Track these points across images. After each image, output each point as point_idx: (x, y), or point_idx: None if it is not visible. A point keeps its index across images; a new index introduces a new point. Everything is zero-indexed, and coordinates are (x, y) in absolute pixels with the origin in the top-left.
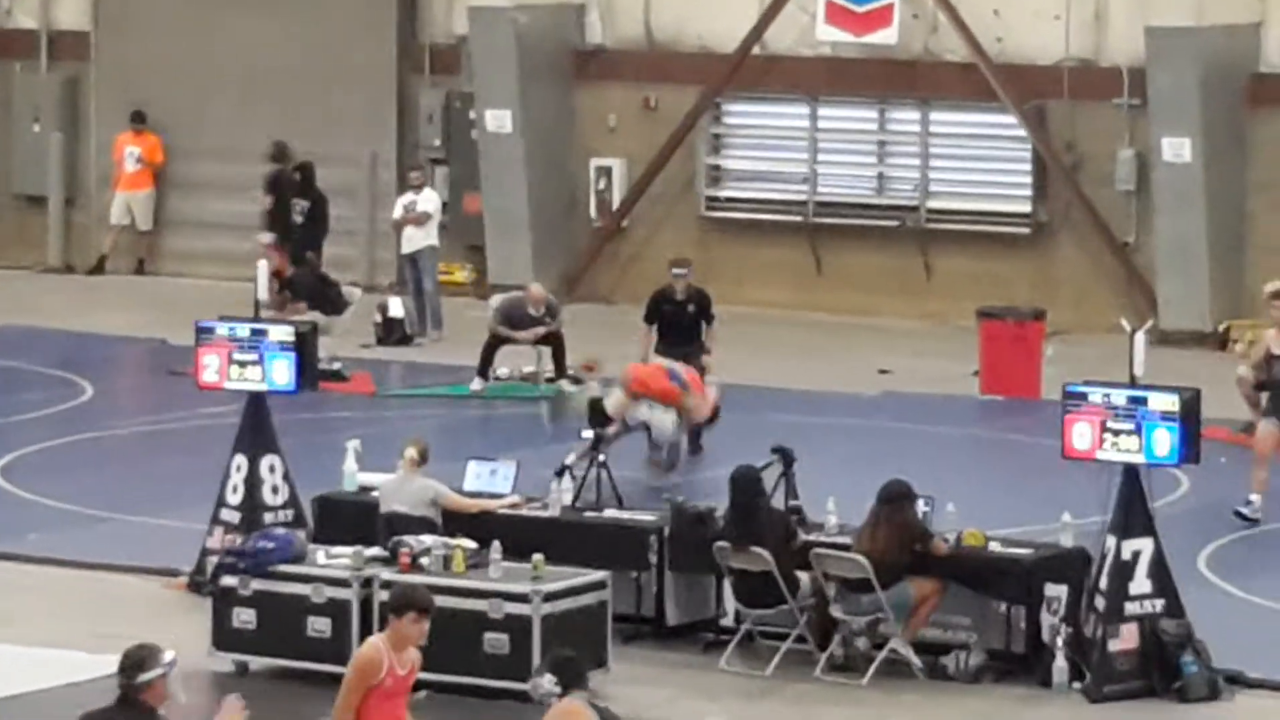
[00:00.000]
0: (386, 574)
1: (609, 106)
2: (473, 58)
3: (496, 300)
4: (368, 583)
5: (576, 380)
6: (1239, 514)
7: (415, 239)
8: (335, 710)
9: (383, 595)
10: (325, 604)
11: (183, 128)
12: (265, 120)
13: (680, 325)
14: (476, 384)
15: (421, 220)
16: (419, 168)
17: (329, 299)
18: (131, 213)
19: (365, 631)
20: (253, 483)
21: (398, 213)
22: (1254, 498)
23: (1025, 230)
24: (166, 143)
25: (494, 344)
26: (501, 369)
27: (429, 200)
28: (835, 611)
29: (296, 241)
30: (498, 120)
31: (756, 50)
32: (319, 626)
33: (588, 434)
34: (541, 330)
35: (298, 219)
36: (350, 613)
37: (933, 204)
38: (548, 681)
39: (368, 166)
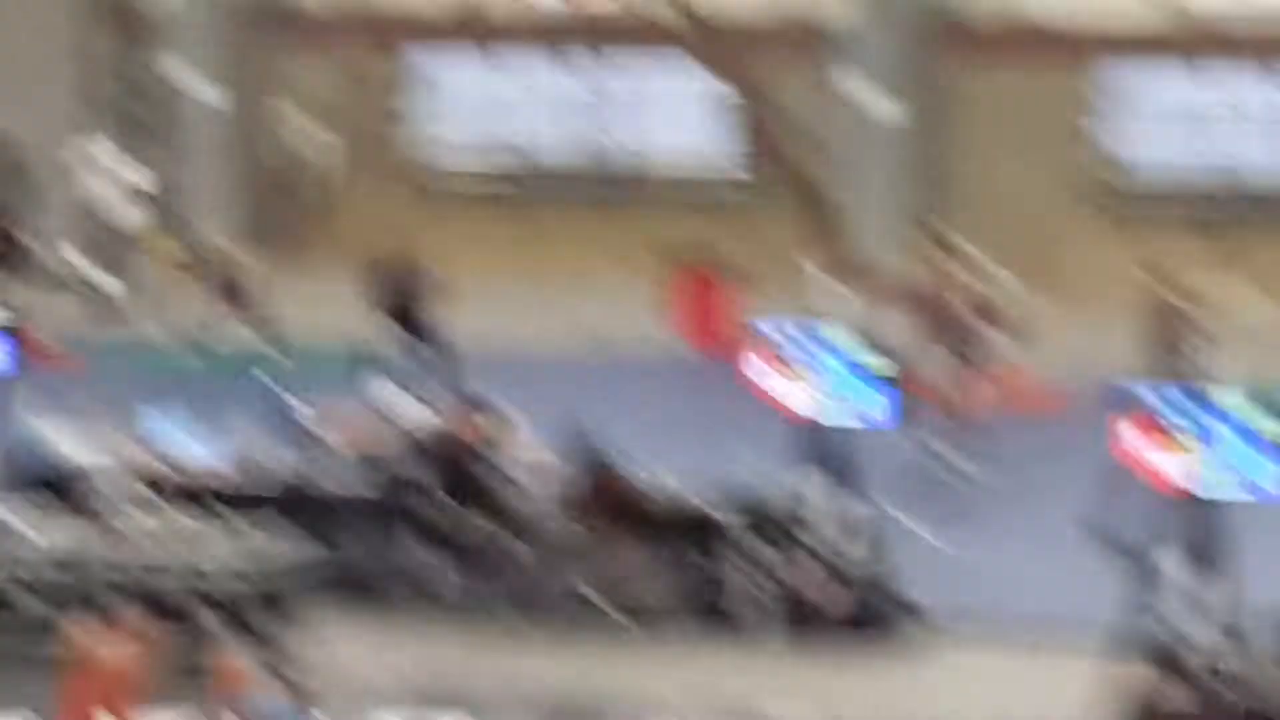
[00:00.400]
0: None
1: (317, 75)
2: (176, 26)
3: (209, 274)
4: None
5: (289, 346)
6: (944, 476)
7: (123, 214)
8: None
9: None
10: None
11: None
12: None
13: (411, 308)
14: (186, 351)
15: (132, 195)
16: (129, 141)
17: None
18: None
19: None
20: None
21: (102, 186)
22: (959, 457)
23: (732, 191)
24: None
25: (209, 312)
26: (216, 336)
27: (135, 174)
28: (548, 571)
29: None
30: (203, 91)
31: (464, 14)
32: None
33: (301, 401)
34: (243, 302)
35: None
36: None
37: (641, 166)
38: (225, 634)
39: (68, 136)
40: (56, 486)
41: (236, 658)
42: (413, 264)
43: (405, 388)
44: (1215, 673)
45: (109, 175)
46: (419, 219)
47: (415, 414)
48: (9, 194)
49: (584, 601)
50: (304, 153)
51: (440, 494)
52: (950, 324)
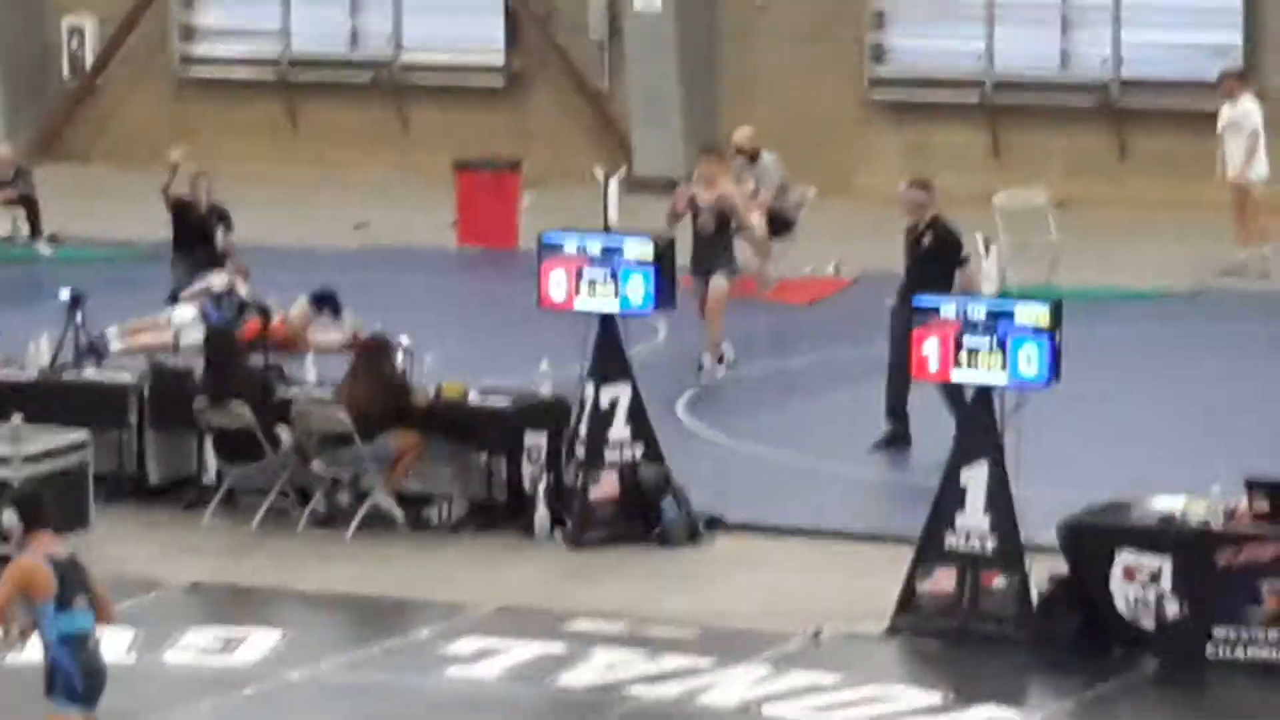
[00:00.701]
0: None
1: None
2: None
3: None
4: None
5: (53, 240)
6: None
7: None
8: None
9: None
10: None
11: None
12: None
13: (202, 233)
14: None
15: None
16: None
17: None
18: None
19: None
20: None
21: None
22: (711, 357)
23: (500, 82)
24: None
25: None
26: None
27: None
28: (316, 466)
29: None
30: None
31: None
32: None
33: (64, 294)
34: (13, 193)
35: None
36: None
37: (406, 58)
38: (7, 517)
39: None
40: None
41: (30, 561)
42: (212, 205)
43: (179, 285)
44: (974, 556)
45: None
46: (177, 106)
47: (186, 312)
48: None
49: (364, 499)
50: (64, 39)
51: (204, 382)
52: (716, 221)
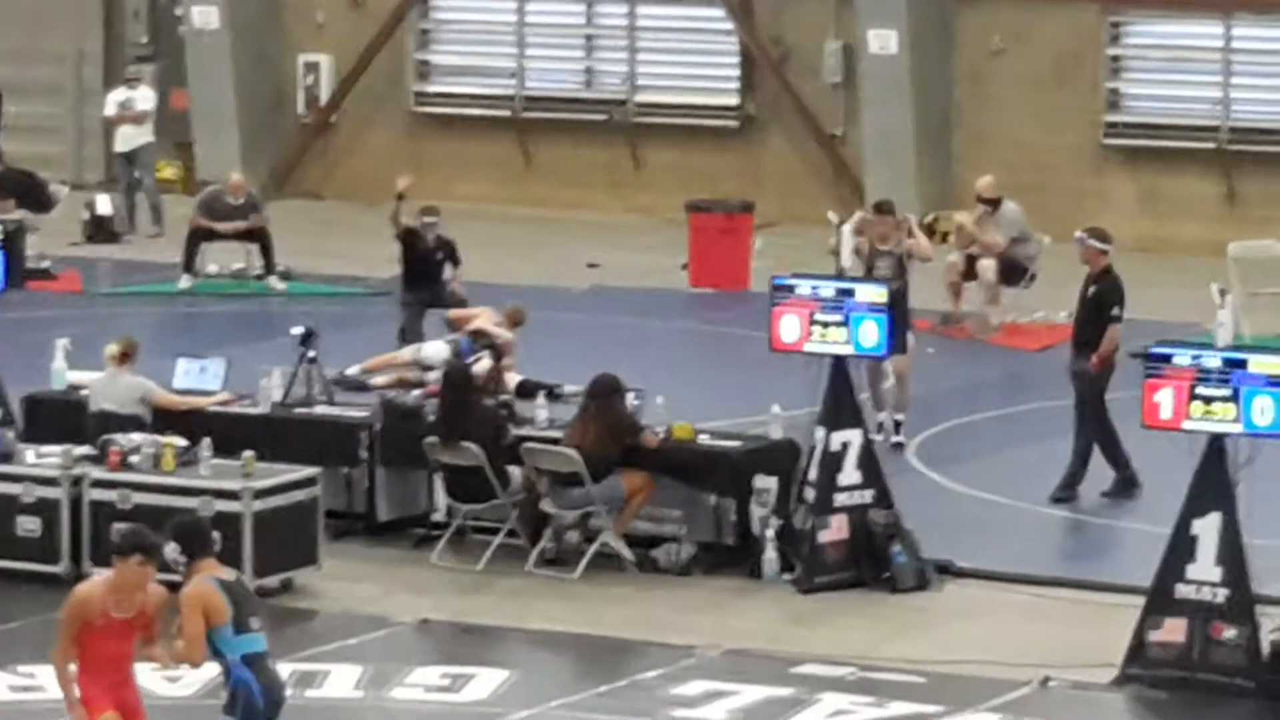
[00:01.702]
0: (96, 472)
1: (316, 2)
2: None
3: (211, 197)
4: (77, 481)
5: (286, 276)
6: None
7: (132, 137)
8: (55, 643)
9: (93, 494)
10: (34, 503)
11: None
12: None
13: (430, 267)
14: (185, 281)
15: (140, 118)
16: (134, 64)
17: (36, 197)
18: None
19: (75, 530)
20: None
21: (111, 110)
22: (883, 417)
23: (733, 123)
24: None
25: (196, 236)
26: (210, 266)
27: (145, 98)
28: (546, 506)
29: None
30: (204, 16)
31: None
32: (28, 526)
33: (296, 330)
34: (243, 223)
35: None
36: (60, 511)
37: (641, 98)
38: (172, 549)
39: (73, 63)
40: (59, 405)
41: (202, 587)
42: (440, 242)
43: (409, 323)
44: (1205, 607)
45: (116, 99)
46: (411, 143)
47: (437, 347)
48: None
49: (593, 539)
50: (300, 76)
51: (436, 421)
52: (895, 272)
